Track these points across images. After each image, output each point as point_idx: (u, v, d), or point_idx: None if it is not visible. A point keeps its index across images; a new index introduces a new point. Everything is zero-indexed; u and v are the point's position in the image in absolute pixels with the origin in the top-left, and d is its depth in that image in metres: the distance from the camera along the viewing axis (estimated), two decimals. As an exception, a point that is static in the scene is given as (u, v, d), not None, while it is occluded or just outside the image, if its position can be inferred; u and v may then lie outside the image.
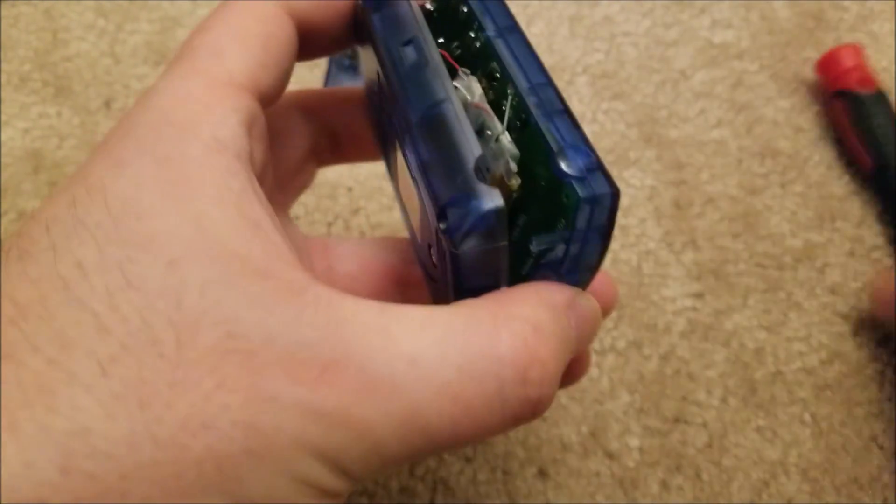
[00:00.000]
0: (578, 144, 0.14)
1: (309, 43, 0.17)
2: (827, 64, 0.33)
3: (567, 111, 0.15)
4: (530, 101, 0.15)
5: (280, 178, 0.19)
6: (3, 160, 0.32)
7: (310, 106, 0.20)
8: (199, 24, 0.16)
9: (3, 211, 0.31)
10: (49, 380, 0.11)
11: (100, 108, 0.33)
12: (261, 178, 0.15)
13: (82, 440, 0.11)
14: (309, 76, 0.34)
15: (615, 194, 0.13)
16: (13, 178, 0.32)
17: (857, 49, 0.32)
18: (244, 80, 0.15)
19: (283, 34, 0.16)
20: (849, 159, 0.33)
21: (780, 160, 0.33)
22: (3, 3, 0.35)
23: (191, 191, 0.13)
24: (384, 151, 0.20)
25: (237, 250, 0.13)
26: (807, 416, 0.29)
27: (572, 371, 0.20)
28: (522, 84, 0.15)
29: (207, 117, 0.14)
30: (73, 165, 0.32)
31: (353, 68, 0.33)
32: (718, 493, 0.27)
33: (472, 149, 0.14)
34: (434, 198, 0.14)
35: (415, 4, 0.17)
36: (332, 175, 0.32)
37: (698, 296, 0.31)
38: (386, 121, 0.18)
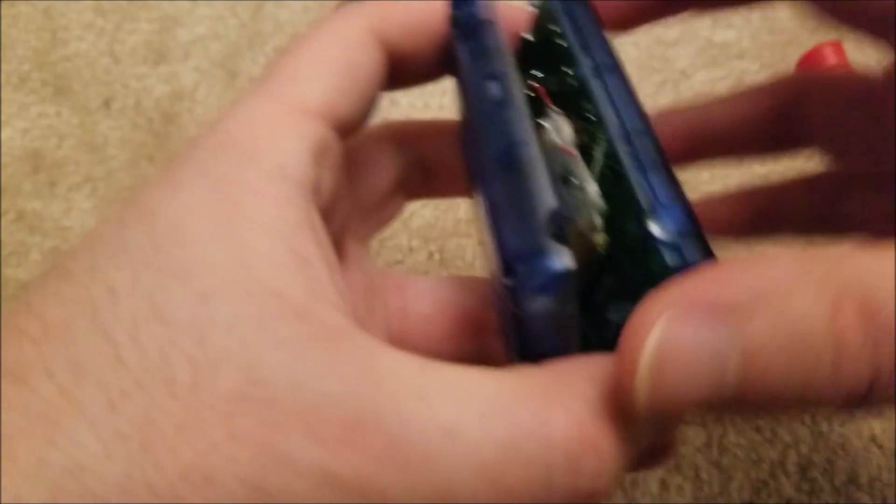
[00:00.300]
0: (673, 203, 0.12)
1: (400, 71, 0.17)
2: (809, 62, 0.33)
3: (664, 164, 0.13)
4: (623, 149, 0.13)
5: (363, 209, 0.19)
6: (2, 160, 0.32)
7: (401, 136, 0.19)
8: (283, 48, 0.15)
9: (2, 211, 0.31)
10: (56, 410, 0.11)
11: (99, 107, 0.33)
12: (330, 209, 0.15)
13: (75, 479, 0.10)
14: (308, 76, 0.34)
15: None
16: (12, 178, 0.32)
17: (838, 46, 0.32)
18: (319, 107, 0.14)
19: (367, 61, 0.15)
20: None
21: (781, 160, 0.33)
22: (2, 2, 0.35)
23: (240, 219, 0.12)
24: (471, 188, 0.18)
25: (276, 287, 0.12)
26: (806, 416, 0.29)
27: (653, 455, 0.16)
28: (616, 130, 0.13)
29: (272, 143, 0.13)
30: (72, 165, 0.32)
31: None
32: (718, 493, 0.27)
33: (546, 199, 0.12)
34: (500, 247, 0.12)
35: (504, 37, 0.16)
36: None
37: (698, 296, 0.31)
38: (471, 157, 0.16)
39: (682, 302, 0.11)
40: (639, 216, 0.12)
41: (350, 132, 0.16)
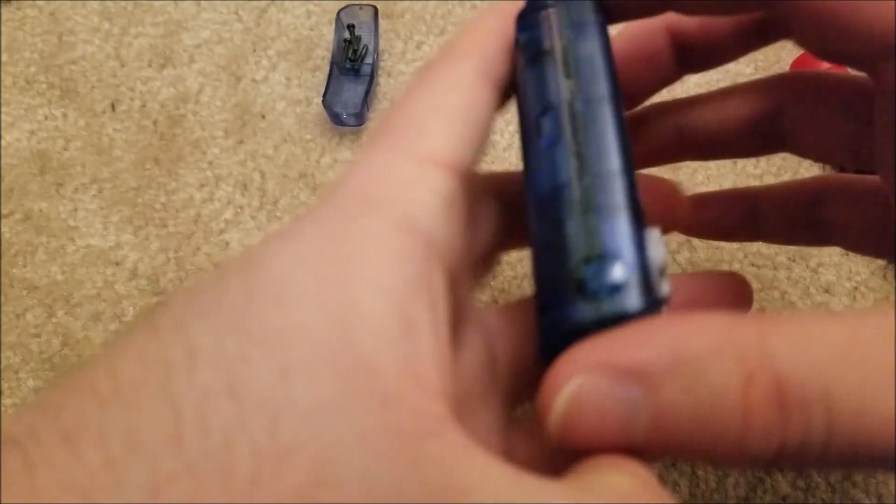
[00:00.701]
0: (616, 253, 0.13)
1: (506, 91, 0.16)
2: (803, 65, 0.33)
3: (629, 206, 0.13)
4: (576, 191, 0.13)
5: (471, 264, 0.18)
6: (9, 161, 0.33)
7: (500, 187, 0.19)
8: (398, 99, 0.15)
9: (9, 212, 0.32)
10: (96, 485, 0.10)
11: (105, 110, 0.34)
12: (456, 269, 0.14)
13: None
14: (311, 79, 0.34)
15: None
16: (19, 180, 0.32)
17: None
18: (447, 158, 0.14)
19: (482, 103, 0.15)
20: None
21: (775, 161, 0.34)
22: (8, 5, 0.36)
23: (353, 272, 0.12)
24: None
25: (371, 360, 0.11)
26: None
27: None
28: (588, 167, 0.14)
29: (404, 193, 0.13)
30: (79, 167, 0.32)
31: (354, 72, 0.33)
32: (713, 490, 0.28)
33: (581, 248, 0.13)
34: (536, 286, 0.13)
35: (599, 53, 0.15)
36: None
37: (694, 295, 0.31)
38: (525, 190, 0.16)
39: (602, 359, 0.12)
40: (575, 263, 0.13)
41: (468, 181, 0.15)
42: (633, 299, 0.12)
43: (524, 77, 0.15)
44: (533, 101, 0.15)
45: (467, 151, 0.14)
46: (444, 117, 0.14)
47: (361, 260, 0.12)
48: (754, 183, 0.33)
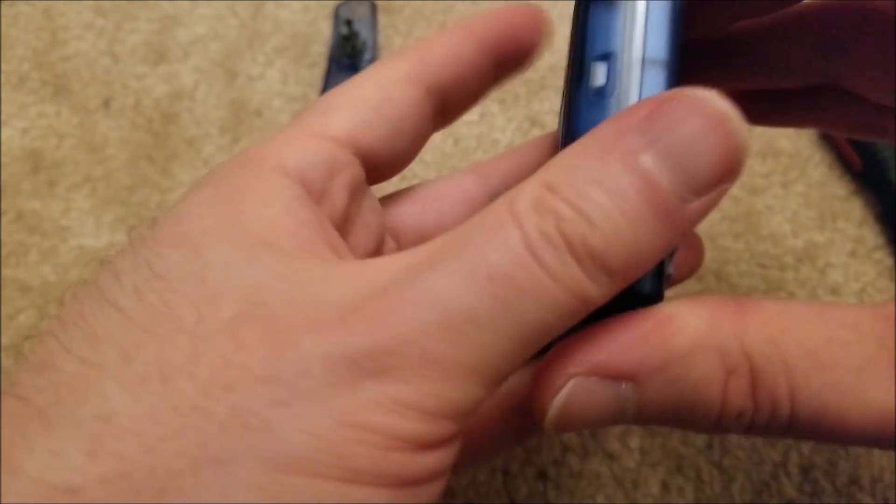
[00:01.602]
0: None
1: (450, 99, 0.18)
2: None
3: None
4: None
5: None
6: (2, 160, 0.32)
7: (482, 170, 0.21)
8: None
9: (2, 210, 0.31)
10: (80, 377, 0.12)
11: (99, 107, 0.33)
12: (340, 228, 0.16)
13: (109, 423, 0.11)
14: (308, 76, 0.34)
15: None
16: (12, 178, 0.32)
17: None
18: (339, 134, 0.15)
19: (403, 98, 0.16)
20: (840, 160, 0.33)
21: (782, 160, 0.33)
22: (2, 2, 0.35)
23: (238, 198, 0.14)
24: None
25: (268, 238, 0.13)
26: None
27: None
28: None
29: (281, 151, 0.15)
30: (72, 165, 0.32)
31: (352, 68, 0.33)
32: (719, 494, 0.27)
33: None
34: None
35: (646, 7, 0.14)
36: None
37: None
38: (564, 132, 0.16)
39: (595, 361, 0.13)
40: None
41: (386, 167, 0.17)
42: (647, 283, 0.13)
43: (587, 14, 0.15)
44: (592, 42, 0.14)
45: (370, 135, 0.16)
46: (352, 103, 0.16)
47: (243, 191, 0.14)
48: (761, 182, 0.32)
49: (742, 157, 0.12)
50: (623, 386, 0.13)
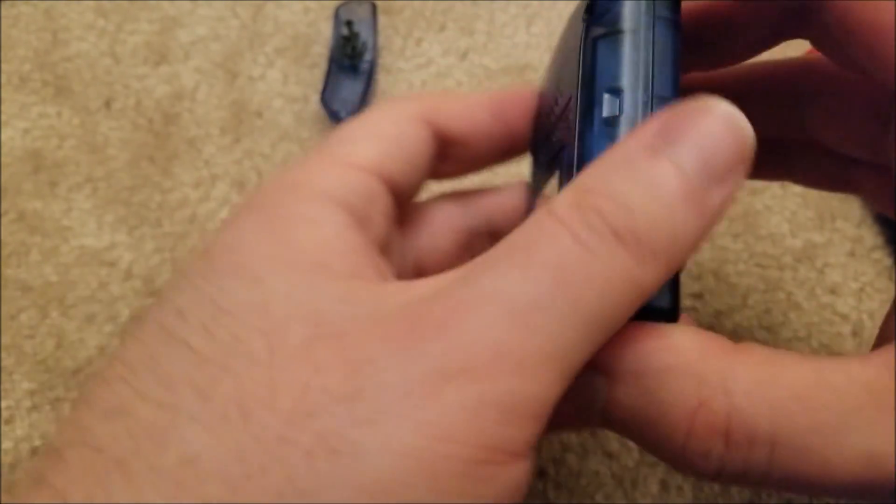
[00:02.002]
0: None
1: (451, 154, 0.19)
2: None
3: None
4: None
5: (428, 269, 0.20)
6: (3, 160, 0.32)
7: (467, 201, 0.21)
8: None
9: (3, 211, 0.31)
10: (158, 422, 0.12)
11: (100, 108, 0.33)
12: (382, 251, 0.16)
13: (192, 467, 0.11)
14: (309, 76, 0.34)
15: None
16: (13, 178, 0.32)
17: None
18: (367, 164, 0.16)
19: (415, 135, 0.17)
20: None
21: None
22: (3, 2, 0.35)
23: (289, 223, 0.14)
24: (534, 152, 0.20)
25: (323, 261, 0.14)
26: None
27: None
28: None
29: (321, 177, 0.15)
30: (73, 165, 0.32)
31: (353, 69, 0.33)
32: (718, 494, 0.27)
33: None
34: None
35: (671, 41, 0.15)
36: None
37: (698, 296, 0.31)
38: (553, 138, 0.17)
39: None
40: None
41: (401, 195, 0.18)
42: (664, 298, 0.14)
43: (594, 49, 0.15)
44: (601, 75, 0.15)
45: (391, 164, 0.17)
46: (373, 135, 0.17)
47: (291, 216, 0.14)
48: (759, 183, 0.32)
49: (751, 148, 0.13)
50: (598, 378, 0.13)
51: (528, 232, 0.13)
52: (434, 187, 0.21)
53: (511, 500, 0.12)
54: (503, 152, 0.20)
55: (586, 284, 0.12)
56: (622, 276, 0.12)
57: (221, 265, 0.14)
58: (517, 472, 0.12)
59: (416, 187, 0.19)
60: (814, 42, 0.16)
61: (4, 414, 0.28)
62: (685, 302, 0.30)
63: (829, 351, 0.30)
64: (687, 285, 0.31)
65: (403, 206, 0.18)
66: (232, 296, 0.13)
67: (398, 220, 0.18)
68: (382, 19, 0.35)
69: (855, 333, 0.30)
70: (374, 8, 0.34)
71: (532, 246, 0.12)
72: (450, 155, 0.19)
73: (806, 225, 0.32)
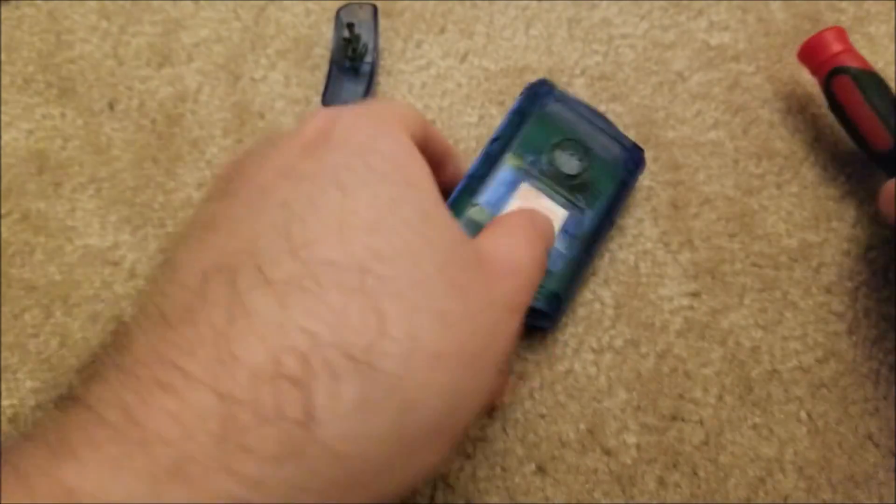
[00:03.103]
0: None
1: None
2: (817, 46, 0.32)
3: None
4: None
5: None
6: (7, 161, 0.32)
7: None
8: None
9: (7, 212, 0.31)
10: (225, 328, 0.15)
11: (103, 109, 0.34)
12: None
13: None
14: (310, 78, 0.34)
15: None
16: (17, 179, 0.32)
17: (841, 31, 0.32)
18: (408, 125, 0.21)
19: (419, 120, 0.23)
20: (858, 140, 0.31)
21: (776, 161, 0.33)
22: (6, 4, 0.36)
23: (374, 141, 0.20)
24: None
25: (413, 180, 0.19)
26: (803, 414, 0.29)
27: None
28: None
29: (395, 108, 0.21)
30: (77, 166, 0.32)
31: (353, 70, 0.33)
32: (715, 490, 0.28)
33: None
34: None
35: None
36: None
37: (695, 295, 0.31)
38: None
39: None
40: None
41: None
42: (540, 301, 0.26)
43: (513, 107, 0.28)
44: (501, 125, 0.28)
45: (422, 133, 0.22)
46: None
47: (377, 138, 0.20)
48: (755, 183, 0.33)
49: (552, 234, 0.25)
50: None
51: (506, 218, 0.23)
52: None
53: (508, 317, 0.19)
54: None
55: (543, 245, 0.23)
56: (542, 243, 0.23)
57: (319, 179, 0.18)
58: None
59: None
60: None
61: (8, 412, 0.28)
62: (682, 301, 0.31)
63: (825, 349, 0.30)
64: (684, 284, 0.31)
65: None
66: (321, 202, 0.18)
67: None
68: (383, 21, 0.35)
69: (850, 332, 0.30)
70: (375, 10, 0.34)
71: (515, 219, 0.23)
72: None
73: (801, 225, 0.32)
